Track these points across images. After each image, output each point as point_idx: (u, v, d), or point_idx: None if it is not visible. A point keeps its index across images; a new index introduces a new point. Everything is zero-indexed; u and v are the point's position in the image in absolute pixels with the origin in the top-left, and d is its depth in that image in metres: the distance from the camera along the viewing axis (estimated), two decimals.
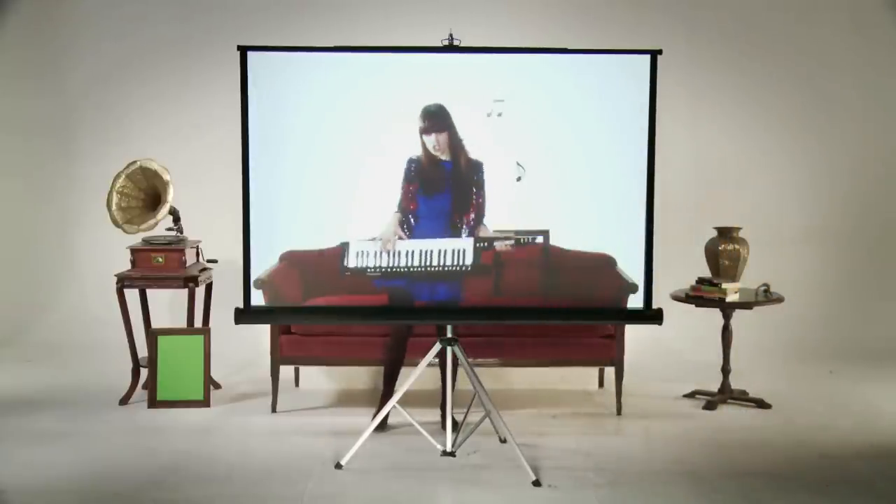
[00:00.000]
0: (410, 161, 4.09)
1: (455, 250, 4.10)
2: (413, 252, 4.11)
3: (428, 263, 4.11)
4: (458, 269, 4.10)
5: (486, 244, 4.10)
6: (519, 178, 4.09)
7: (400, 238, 4.10)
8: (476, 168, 4.10)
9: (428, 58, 4.15)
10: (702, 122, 6.79)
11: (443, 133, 4.08)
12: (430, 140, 4.08)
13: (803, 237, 6.81)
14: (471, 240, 4.11)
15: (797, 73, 6.81)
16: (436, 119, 4.07)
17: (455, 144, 4.09)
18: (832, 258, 6.84)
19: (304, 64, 4.10)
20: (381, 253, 4.11)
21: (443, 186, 4.10)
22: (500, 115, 4.05)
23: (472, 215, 4.10)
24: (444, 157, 4.10)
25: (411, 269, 4.10)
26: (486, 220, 4.11)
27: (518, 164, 4.08)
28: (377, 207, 4.11)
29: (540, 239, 4.12)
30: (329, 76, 4.09)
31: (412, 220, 4.11)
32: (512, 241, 4.10)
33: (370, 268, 4.11)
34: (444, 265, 4.10)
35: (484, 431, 4.51)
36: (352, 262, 4.11)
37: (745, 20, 6.78)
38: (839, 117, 6.84)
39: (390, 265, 4.11)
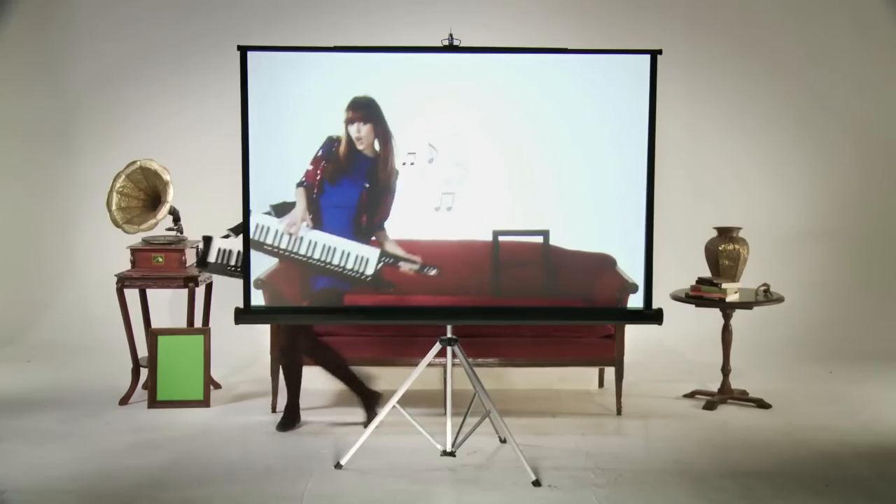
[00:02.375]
0: (331, 140, 4.04)
1: (359, 256, 4.02)
2: (316, 244, 4.04)
3: (328, 260, 4.03)
4: (356, 275, 4.01)
5: (391, 260, 4.02)
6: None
7: (306, 224, 4.03)
8: (395, 174, 4.04)
9: (428, 58, 4.14)
10: (701, 122, 6.79)
11: (367, 124, 4.04)
12: (353, 129, 4.04)
13: (803, 237, 6.81)
14: (377, 251, 4.04)
15: (797, 73, 6.81)
16: (362, 110, 4.02)
17: (382, 141, 4.04)
18: (832, 258, 6.84)
19: (304, 64, 4.10)
20: (282, 234, 4.06)
21: (355, 179, 4.03)
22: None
23: (377, 217, 4.03)
24: (367, 151, 4.05)
25: (309, 260, 4.04)
26: (387, 225, 4.04)
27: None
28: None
29: (434, 271, 4.02)
30: (329, 76, 4.09)
31: (316, 203, 4.04)
32: (417, 267, 4.01)
33: (266, 244, 4.05)
34: (344, 267, 4.03)
35: (484, 431, 4.51)
36: (252, 234, 4.02)
37: (746, 20, 6.79)
38: (839, 117, 6.84)
39: (289, 249, 4.05)
